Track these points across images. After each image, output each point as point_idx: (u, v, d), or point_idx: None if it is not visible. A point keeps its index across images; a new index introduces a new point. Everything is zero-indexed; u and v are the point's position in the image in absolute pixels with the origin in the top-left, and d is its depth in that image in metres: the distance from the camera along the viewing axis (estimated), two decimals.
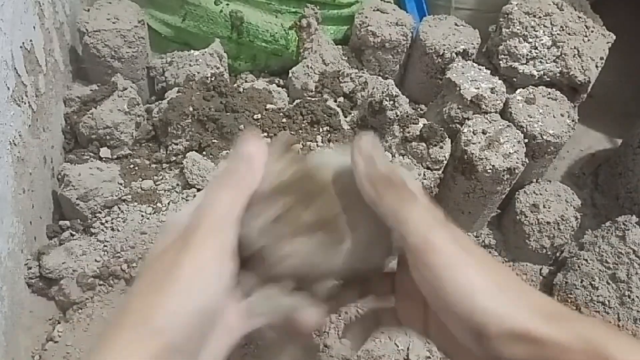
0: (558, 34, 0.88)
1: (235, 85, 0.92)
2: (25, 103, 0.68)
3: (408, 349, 0.72)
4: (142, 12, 0.88)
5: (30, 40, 0.70)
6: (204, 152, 0.80)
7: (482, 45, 0.95)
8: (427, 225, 0.30)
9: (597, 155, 1.07)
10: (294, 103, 0.88)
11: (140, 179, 0.80)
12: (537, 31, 0.87)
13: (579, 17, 0.90)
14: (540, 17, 0.88)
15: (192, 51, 0.89)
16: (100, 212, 0.75)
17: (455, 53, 0.90)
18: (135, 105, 0.82)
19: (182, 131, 0.80)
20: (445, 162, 0.81)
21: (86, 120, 0.80)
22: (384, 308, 0.38)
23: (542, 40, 0.88)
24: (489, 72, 0.87)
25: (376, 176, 0.32)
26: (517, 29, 0.88)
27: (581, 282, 0.80)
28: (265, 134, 0.82)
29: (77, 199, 0.73)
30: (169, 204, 0.77)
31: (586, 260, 0.80)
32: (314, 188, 0.34)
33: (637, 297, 0.76)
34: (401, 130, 0.81)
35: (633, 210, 0.91)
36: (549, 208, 0.84)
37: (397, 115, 0.82)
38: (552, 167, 0.99)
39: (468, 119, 0.83)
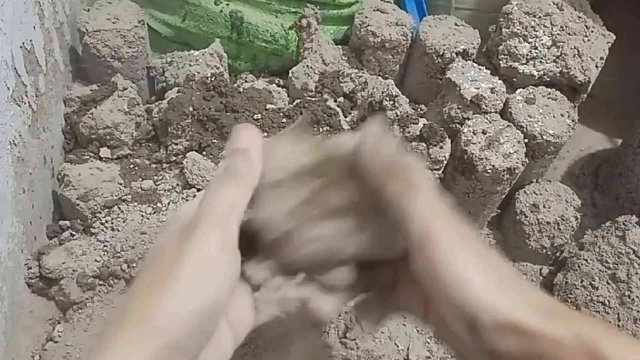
0: (558, 34, 0.88)
1: (235, 85, 0.92)
2: (25, 103, 0.68)
3: (408, 349, 0.72)
4: (142, 12, 0.88)
5: (30, 40, 0.70)
6: (204, 152, 0.80)
7: (482, 45, 0.95)
8: (429, 216, 0.30)
9: (597, 155, 1.07)
10: (294, 103, 0.88)
11: (140, 179, 0.80)
12: (537, 31, 0.87)
13: (579, 17, 0.90)
14: (540, 17, 0.88)
15: (192, 51, 0.89)
16: (100, 212, 0.75)
17: (455, 53, 0.90)
18: (135, 105, 0.82)
19: (182, 131, 0.80)
20: (445, 162, 0.81)
21: (86, 120, 0.80)
22: (386, 292, 0.37)
23: (542, 40, 0.88)
24: (489, 72, 0.87)
25: (382, 162, 0.32)
26: (517, 29, 0.88)
27: (581, 282, 0.80)
28: (265, 134, 0.82)
29: (77, 199, 0.73)
30: (169, 204, 0.77)
31: (586, 260, 0.80)
32: (343, 171, 0.33)
33: (637, 297, 0.76)
34: (401, 130, 0.81)
35: (633, 210, 0.91)
36: (549, 208, 0.84)
37: (397, 115, 0.82)
38: (552, 167, 0.99)
39: (468, 119, 0.83)
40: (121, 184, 0.77)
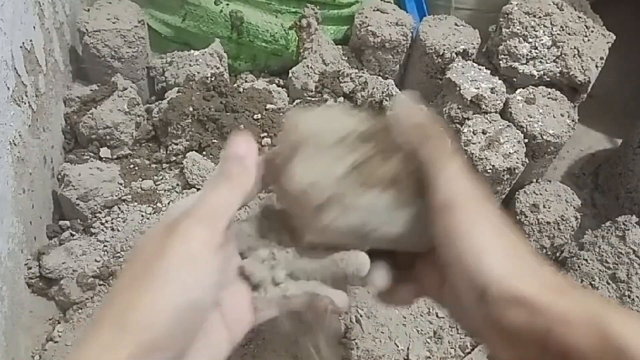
0: (558, 34, 0.88)
1: (235, 85, 0.92)
2: (25, 103, 0.68)
3: (408, 349, 0.72)
4: (142, 12, 0.88)
5: (30, 40, 0.70)
6: (204, 152, 0.80)
7: (482, 45, 0.95)
8: (455, 186, 0.31)
9: (597, 155, 1.07)
10: (294, 103, 0.88)
11: (140, 179, 0.80)
12: (537, 31, 0.87)
13: (579, 17, 0.90)
14: (540, 17, 0.88)
15: (192, 51, 0.89)
16: (100, 212, 0.75)
17: (455, 53, 0.90)
18: (135, 105, 0.82)
19: (182, 131, 0.80)
20: None
21: (86, 120, 0.80)
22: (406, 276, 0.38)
23: (542, 40, 0.88)
24: (489, 72, 0.87)
25: (417, 125, 0.32)
26: (517, 29, 0.88)
27: (581, 282, 0.80)
28: (265, 134, 0.82)
29: (77, 199, 0.73)
30: (169, 204, 0.77)
31: (586, 260, 0.80)
32: (392, 143, 0.34)
33: (637, 297, 0.76)
34: None
35: (633, 210, 0.91)
36: (549, 208, 0.84)
37: None
38: (552, 167, 0.99)
39: (468, 119, 0.83)
40: (121, 184, 0.77)
